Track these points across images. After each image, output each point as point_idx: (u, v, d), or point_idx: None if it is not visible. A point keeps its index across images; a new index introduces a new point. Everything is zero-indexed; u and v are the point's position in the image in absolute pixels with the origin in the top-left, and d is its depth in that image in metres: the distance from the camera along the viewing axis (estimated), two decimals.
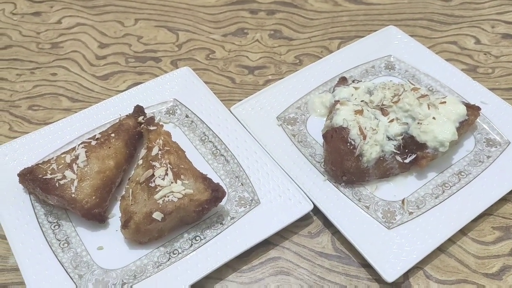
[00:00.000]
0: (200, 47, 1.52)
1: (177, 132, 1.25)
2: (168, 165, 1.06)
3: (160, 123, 1.20)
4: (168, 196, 1.01)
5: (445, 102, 1.16)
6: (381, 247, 1.03)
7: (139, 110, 1.24)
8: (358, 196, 1.12)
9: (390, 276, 0.98)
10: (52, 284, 0.99)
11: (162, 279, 0.99)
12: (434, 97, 1.20)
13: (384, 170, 1.14)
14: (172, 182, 1.03)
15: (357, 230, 1.05)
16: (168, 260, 1.02)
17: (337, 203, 1.10)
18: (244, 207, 1.10)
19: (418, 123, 1.14)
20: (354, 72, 1.39)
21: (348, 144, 1.10)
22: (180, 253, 1.03)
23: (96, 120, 1.27)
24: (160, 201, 1.00)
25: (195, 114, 1.28)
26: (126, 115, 1.23)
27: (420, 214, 1.08)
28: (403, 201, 1.11)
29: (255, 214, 1.08)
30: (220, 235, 1.05)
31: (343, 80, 1.30)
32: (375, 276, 1.03)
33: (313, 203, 1.08)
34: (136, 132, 1.19)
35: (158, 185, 1.02)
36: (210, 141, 1.23)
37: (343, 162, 1.10)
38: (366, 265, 1.04)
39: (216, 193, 1.04)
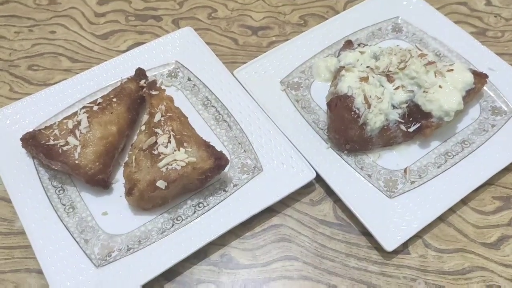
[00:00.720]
0: (202, 5, 1.48)
1: (179, 96, 1.24)
2: (171, 132, 1.05)
3: (162, 86, 1.19)
4: (171, 164, 1.01)
5: (452, 69, 1.14)
6: (382, 216, 1.04)
7: (140, 73, 1.22)
8: (361, 164, 1.13)
9: (389, 245, 1.00)
10: (59, 248, 1.01)
11: (166, 245, 1.01)
12: (441, 64, 1.17)
13: (387, 138, 1.13)
14: (175, 150, 1.03)
15: (358, 198, 1.06)
16: (172, 226, 1.04)
17: (340, 171, 1.10)
18: (247, 174, 1.11)
19: (424, 91, 1.12)
20: (360, 34, 1.35)
21: (353, 112, 1.08)
22: (184, 219, 1.05)
23: (97, 83, 1.25)
24: (164, 169, 1.01)
25: (197, 78, 1.25)
26: (128, 78, 1.21)
27: (422, 184, 1.09)
28: (405, 170, 1.11)
29: (258, 182, 1.09)
30: (223, 202, 1.06)
31: (348, 44, 1.27)
32: (375, 244, 1.05)
33: (315, 171, 1.09)
34: (138, 96, 1.18)
35: (162, 152, 1.02)
36: (212, 106, 1.22)
37: (347, 130, 1.09)
38: (366, 233, 1.06)
39: (219, 161, 1.04)
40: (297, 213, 1.09)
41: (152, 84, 1.18)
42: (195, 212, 1.06)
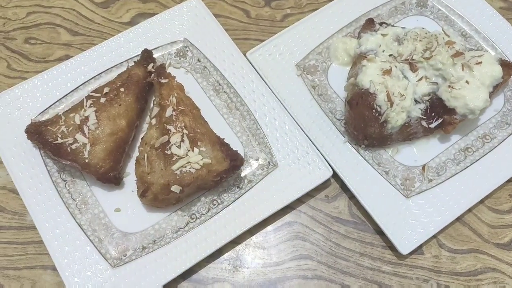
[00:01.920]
0: None
1: (189, 79, 1.17)
2: (184, 130, 1.01)
3: (171, 67, 1.10)
4: (185, 167, 0.98)
5: (480, 62, 1.08)
6: (397, 217, 1.03)
7: (147, 56, 1.14)
8: (378, 160, 1.10)
9: (405, 248, 1.00)
10: (74, 249, 1.00)
11: (182, 247, 1.00)
12: (469, 54, 1.10)
13: (407, 134, 1.09)
14: (189, 150, 0.99)
15: (374, 197, 1.05)
16: (186, 225, 1.03)
17: (356, 168, 1.08)
18: (262, 170, 1.08)
19: (449, 86, 1.06)
20: (382, 10, 1.26)
21: (374, 110, 1.03)
22: (198, 218, 1.04)
23: (101, 64, 1.17)
24: (178, 172, 0.98)
25: (208, 59, 1.17)
26: (134, 62, 1.14)
27: (440, 183, 1.07)
28: (423, 167, 1.09)
29: (273, 178, 1.06)
30: (238, 200, 1.04)
31: (369, 23, 1.18)
32: (389, 244, 1.05)
33: (331, 166, 1.06)
34: (146, 83, 1.11)
35: (175, 154, 0.99)
36: (224, 92, 1.15)
37: (367, 128, 1.05)
38: (380, 232, 1.06)
39: (235, 162, 1.01)
40: (311, 210, 1.08)
41: (161, 70, 1.11)
42: (209, 210, 1.04)
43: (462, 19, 1.24)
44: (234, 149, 1.03)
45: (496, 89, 1.09)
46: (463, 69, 1.07)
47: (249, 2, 1.31)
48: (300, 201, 1.09)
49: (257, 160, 1.09)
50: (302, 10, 1.28)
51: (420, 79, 1.09)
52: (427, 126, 1.09)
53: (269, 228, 1.07)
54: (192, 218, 1.04)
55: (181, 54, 1.19)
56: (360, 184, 1.06)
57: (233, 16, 1.29)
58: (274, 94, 1.13)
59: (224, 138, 1.04)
